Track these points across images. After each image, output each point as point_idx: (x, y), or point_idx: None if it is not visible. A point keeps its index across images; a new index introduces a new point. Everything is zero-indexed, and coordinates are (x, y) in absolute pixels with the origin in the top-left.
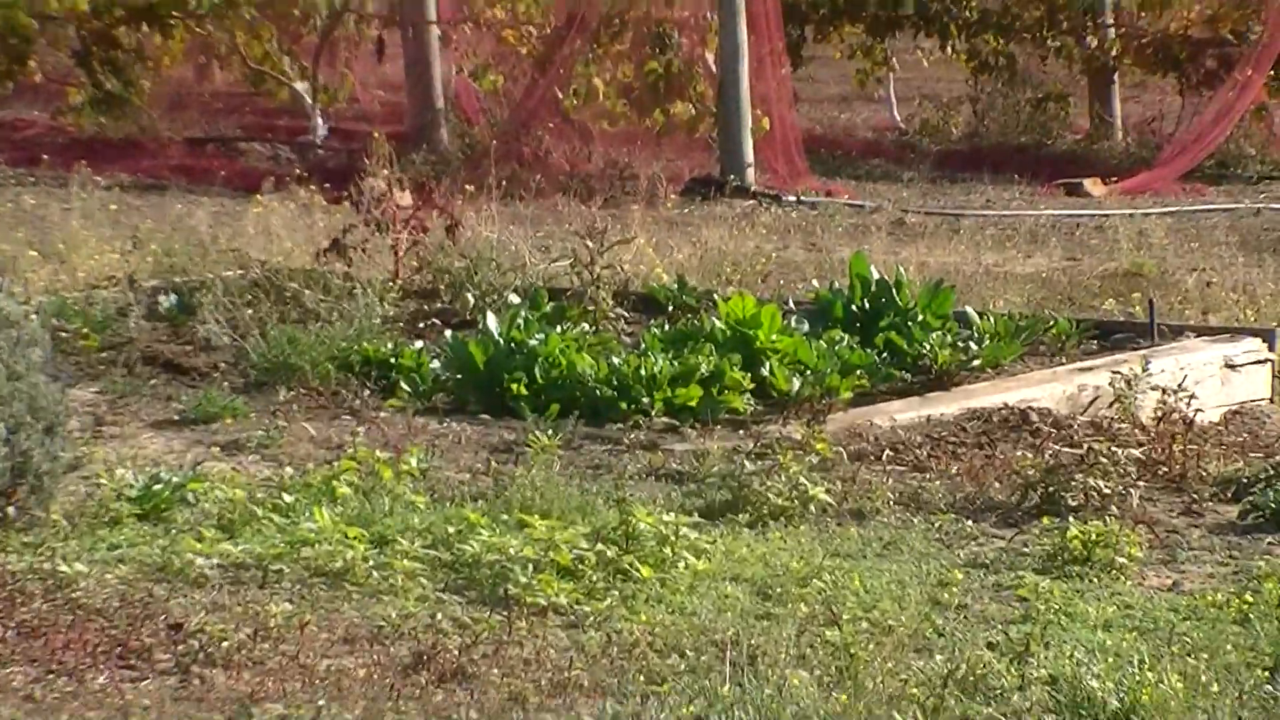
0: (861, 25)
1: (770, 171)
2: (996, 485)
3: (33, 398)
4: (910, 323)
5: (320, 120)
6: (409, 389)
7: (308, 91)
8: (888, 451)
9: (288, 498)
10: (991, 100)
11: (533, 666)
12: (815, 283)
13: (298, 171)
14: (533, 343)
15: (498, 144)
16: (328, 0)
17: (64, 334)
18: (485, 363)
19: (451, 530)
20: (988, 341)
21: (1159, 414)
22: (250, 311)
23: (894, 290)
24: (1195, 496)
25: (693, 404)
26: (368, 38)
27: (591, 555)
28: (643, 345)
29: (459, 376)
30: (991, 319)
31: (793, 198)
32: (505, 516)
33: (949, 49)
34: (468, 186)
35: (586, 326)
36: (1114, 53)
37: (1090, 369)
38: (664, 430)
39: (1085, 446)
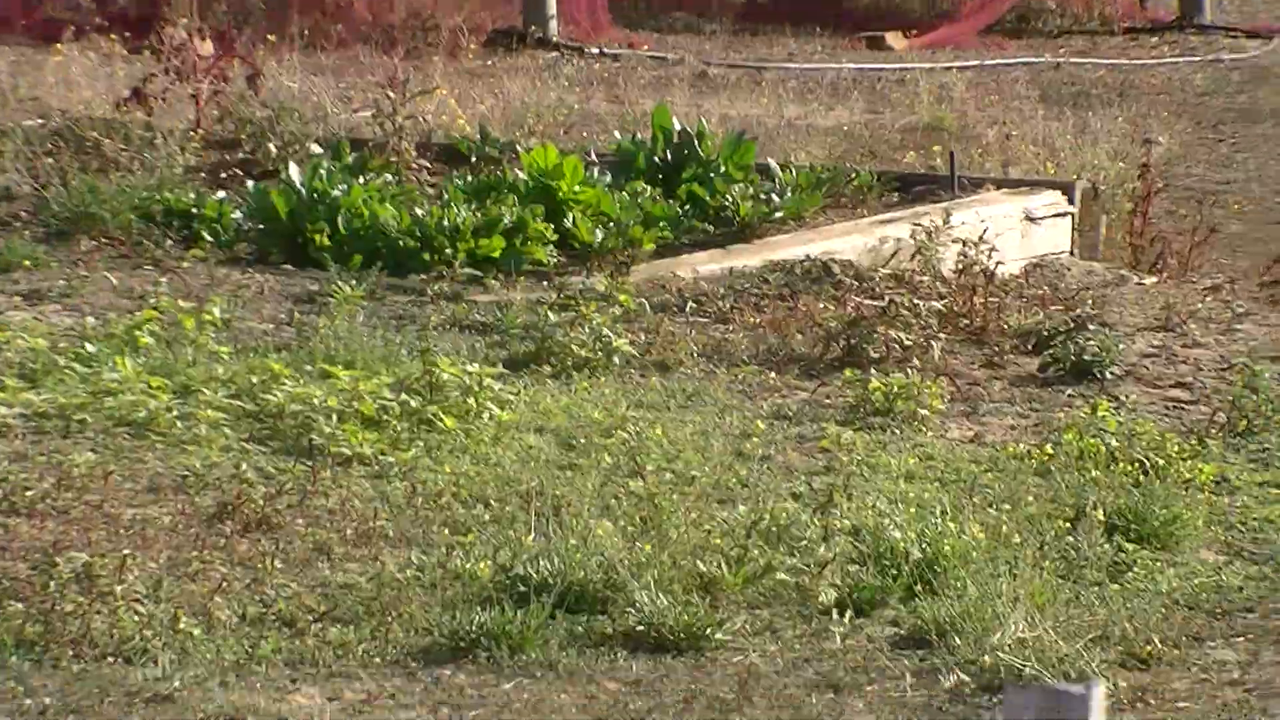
0: None
1: (573, 23)
2: (799, 337)
3: None
4: (713, 175)
5: None
6: (211, 239)
7: None
8: (691, 303)
9: (90, 347)
10: None
11: (338, 516)
12: (618, 135)
13: (98, 20)
14: (335, 193)
15: None
16: None
17: None
18: (288, 213)
19: (255, 380)
20: (790, 194)
21: (960, 267)
22: (50, 161)
23: (696, 142)
24: (996, 349)
25: (496, 255)
26: None
27: (396, 406)
28: (445, 196)
29: (261, 227)
30: (793, 171)
31: (595, 50)
32: (309, 367)
33: None
34: (269, 36)
35: (389, 178)
36: None
37: (892, 221)
38: (467, 281)
39: (887, 299)
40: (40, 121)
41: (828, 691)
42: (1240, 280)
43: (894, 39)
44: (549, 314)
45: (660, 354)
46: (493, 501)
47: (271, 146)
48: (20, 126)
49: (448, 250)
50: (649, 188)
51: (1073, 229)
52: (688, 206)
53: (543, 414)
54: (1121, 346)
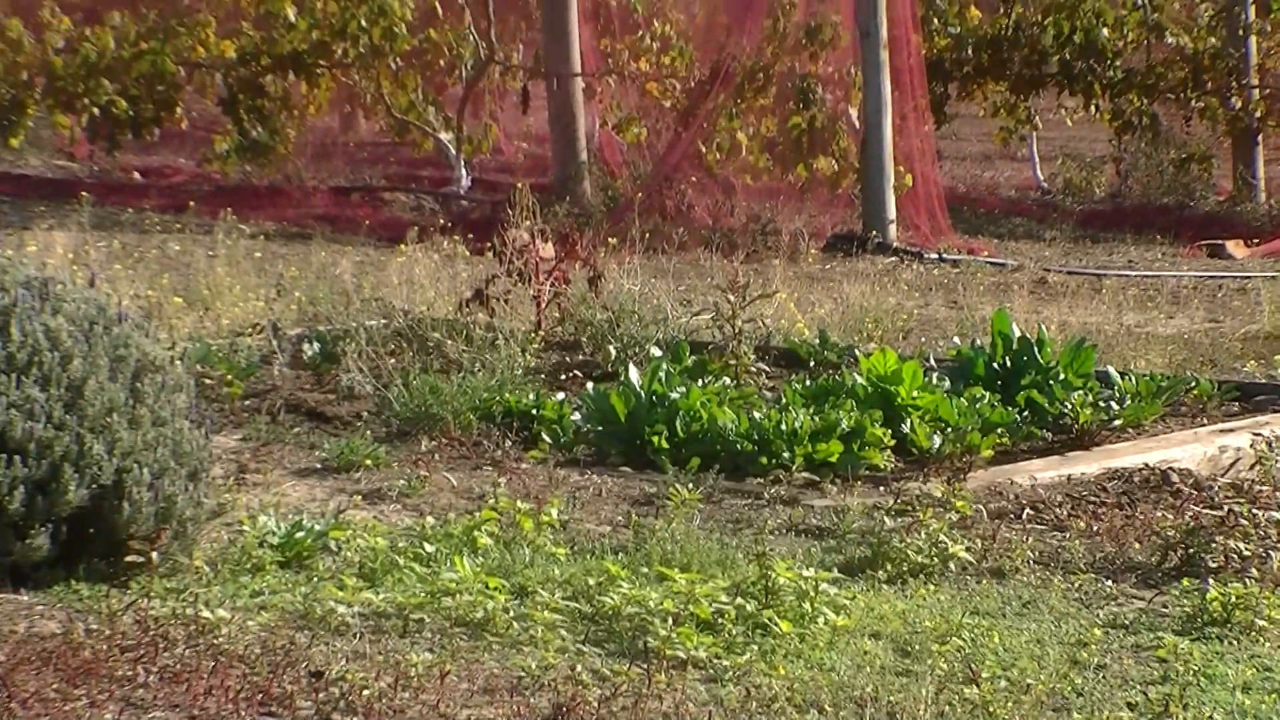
0: (1005, 83)
1: (912, 228)
2: (1136, 545)
3: (177, 443)
4: (1052, 381)
5: (464, 171)
6: (550, 440)
7: (452, 142)
8: (1028, 510)
9: (429, 547)
10: (1135, 160)
11: None
12: (957, 340)
13: (441, 221)
14: (674, 396)
15: (641, 197)
16: (473, 51)
17: (208, 380)
18: (627, 415)
19: (592, 582)
20: (1129, 401)
21: None
22: (393, 360)
23: (1036, 348)
24: None
25: (833, 460)
26: (512, 89)
27: (731, 609)
28: (784, 400)
29: (600, 428)
30: (1133, 379)
31: (935, 255)
32: (645, 569)
33: (1092, 108)
34: (610, 239)
35: (728, 380)
36: (1258, 114)
37: (1231, 430)
38: (804, 485)
39: (1225, 508)
40: (384, 321)
41: None
42: None
43: (1235, 247)
44: (885, 519)
45: (996, 560)
46: (827, 707)
47: (611, 348)
48: (364, 326)
49: (785, 454)
50: (987, 394)
51: None
52: (1026, 413)
53: (878, 619)
54: None
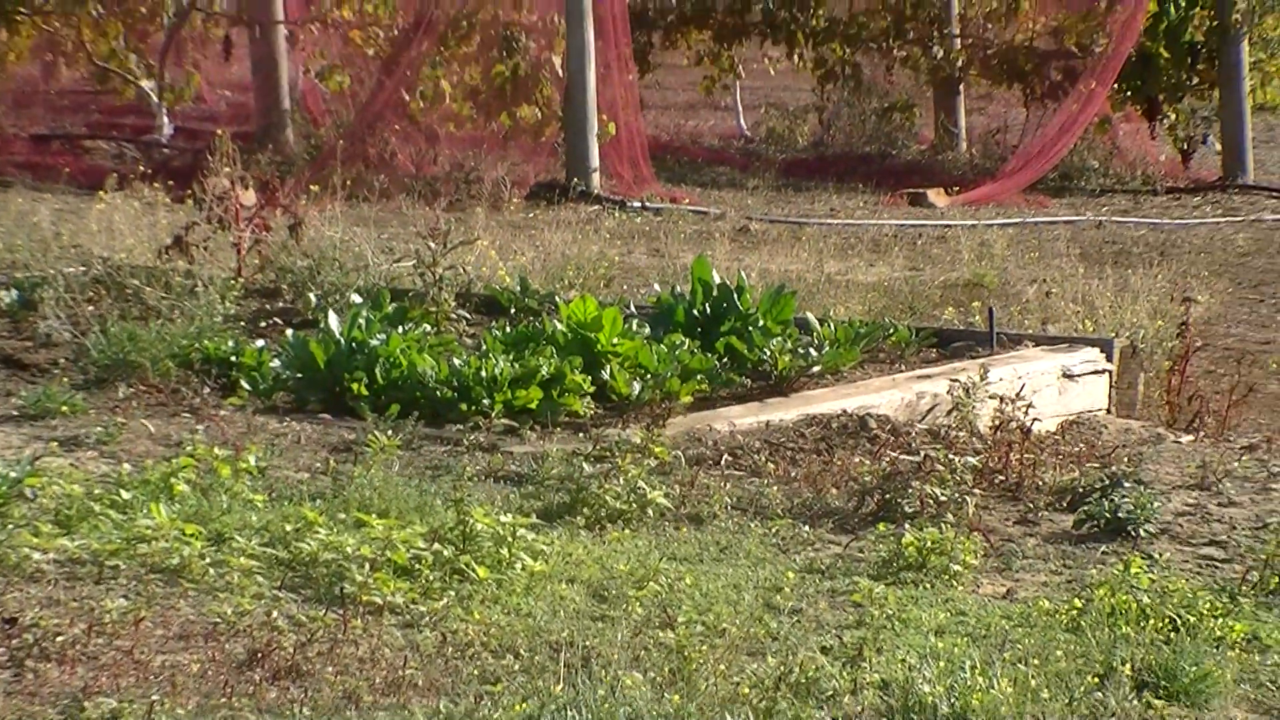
0: (709, 32)
1: (616, 177)
2: (834, 491)
3: None
4: (751, 328)
5: (166, 119)
6: (249, 387)
7: (154, 90)
8: (726, 456)
9: (125, 494)
10: (837, 109)
11: (367, 665)
12: (657, 287)
13: (142, 169)
14: (374, 343)
15: (343, 145)
16: None
17: None
18: (326, 362)
19: (289, 528)
20: (828, 348)
21: (996, 423)
22: (91, 308)
23: (735, 295)
24: (1031, 505)
25: (533, 406)
26: (215, 37)
27: (428, 555)
28: (484, 347)
29: (300, 375)
30: (832, 325)
31: (637, 203)
32: (343, 515)
33: (796, 57)
34: (312, 187)
35: (428, 327)
36: (960, 63)
37: (929, 377)
38: (504, 432)
39: (922, 454)
40: (82, 269)
41: None
42: (1278, 440)
43: (936, 196)
44: (584, 465)
45: (694, 507)
46: (523, 651)
47: (312, 295)
48: (62, 274)
49: (485, 400)
50: (687, 340)
51: (1110, 386)
52: (725, 360)
53: (575, 565)
54: (1156, 504)
